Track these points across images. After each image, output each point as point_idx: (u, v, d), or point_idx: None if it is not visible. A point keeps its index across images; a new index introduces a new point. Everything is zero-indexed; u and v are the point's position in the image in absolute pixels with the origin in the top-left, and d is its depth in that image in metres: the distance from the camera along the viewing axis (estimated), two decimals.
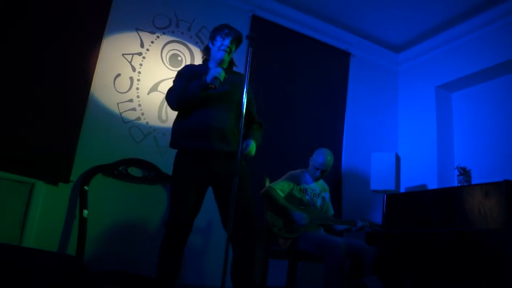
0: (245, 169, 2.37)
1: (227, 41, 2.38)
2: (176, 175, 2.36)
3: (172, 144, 2.40)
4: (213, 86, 2.24)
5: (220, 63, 2.42)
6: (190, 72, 2.43)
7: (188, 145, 2.32)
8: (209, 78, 2.24)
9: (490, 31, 3.96)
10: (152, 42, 3.59)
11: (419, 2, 3.93)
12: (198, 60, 3.74)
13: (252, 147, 2.37)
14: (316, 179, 3.25)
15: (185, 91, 2.30)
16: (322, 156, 3.18)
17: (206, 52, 2.53)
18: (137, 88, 3.46)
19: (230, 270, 2.24)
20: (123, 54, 3.45)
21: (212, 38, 2.45)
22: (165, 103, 3.53)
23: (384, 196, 3.81)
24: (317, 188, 3.27)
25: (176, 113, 2.47)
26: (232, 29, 2.40)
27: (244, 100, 2.14)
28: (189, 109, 2.33)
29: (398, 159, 3.88)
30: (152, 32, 3.61)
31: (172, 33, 3.69)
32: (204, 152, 2.30)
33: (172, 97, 2.37)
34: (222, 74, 2.26)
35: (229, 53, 2.42)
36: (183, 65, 3.66)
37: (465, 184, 3.69)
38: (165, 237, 2.32)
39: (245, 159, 2.38)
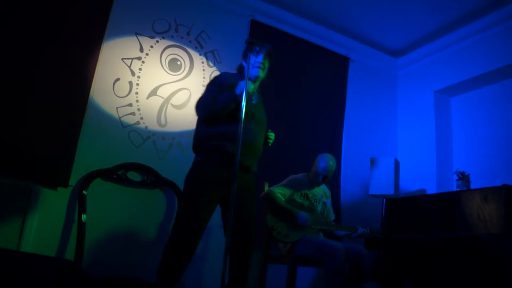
0: (254, 183, 2.45)
1: (260, 58, 2.46)
2: (197, 181, 2.34)
3: (199, 146, 2.41)
4: None
5: (255, 80, 2.50)
6: (226, 81, 2.46)
7: (223, 147, 2.32)
8: (238, 90, 2.30)
9: (489, 35, 3.97)
10: (152, 46, 3.60)
11: (419, 7, 3.94)
12: (197, 64, 3.75)
13: (273, 135, 2.56)
14: (317, 184, 3.25)
15: (214, 102, 2.34)
16: (324, 162, 3.18)
17: (240, 70, 2.59)
18: (136, 93, 3.46)
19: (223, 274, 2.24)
20: (122, 59, 3.45)
21: (245, 56, 2.53)
22: (164, 107, 3.54)
23: (383, 201, 3.81)
24: (318, 193, 3.26)
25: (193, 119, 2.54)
26: (263, 45, 2.47)
27: (244, 102, 2.17)
28: (217, 120, 2.36)
29: (397, 163, 3.89)
30: (152, 37, 3.61)
31: (172, 37, 3.70)
32: (231, 161, 2.27)
33: (201, 107, 2.41)
34: (251, 87, 2.34)
35: (263, 69, 2.50)
36: (182, 69, 3.71)
37: (464, 188, 3.69)
38: (174, 241, 2.28)
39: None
